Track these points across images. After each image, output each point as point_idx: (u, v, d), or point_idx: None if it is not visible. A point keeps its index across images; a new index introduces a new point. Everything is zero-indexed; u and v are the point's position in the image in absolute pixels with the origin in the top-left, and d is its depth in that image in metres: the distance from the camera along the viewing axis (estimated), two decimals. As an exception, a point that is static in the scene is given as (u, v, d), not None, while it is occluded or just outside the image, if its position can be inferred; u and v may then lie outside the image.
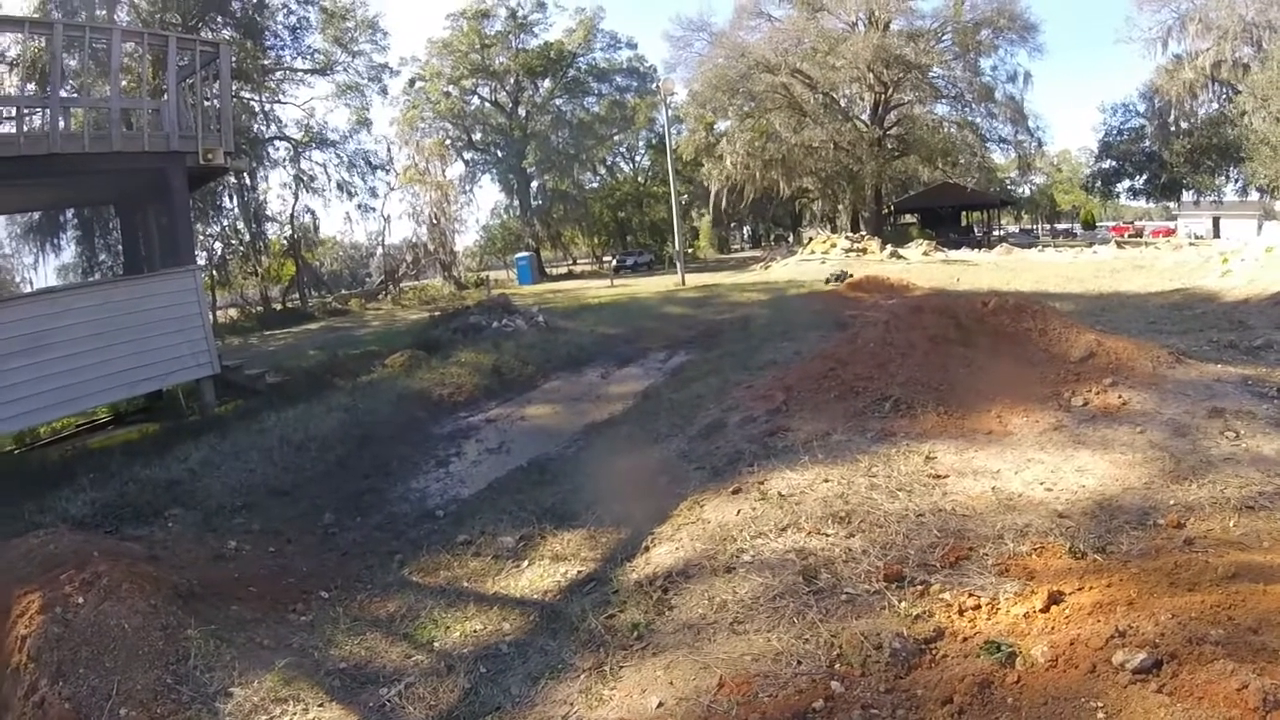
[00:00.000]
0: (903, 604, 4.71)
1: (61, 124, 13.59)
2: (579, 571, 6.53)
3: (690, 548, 6.10)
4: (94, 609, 5.18)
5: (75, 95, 18.82)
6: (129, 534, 8.58)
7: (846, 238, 39.48)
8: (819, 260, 35.43)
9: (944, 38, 44.78)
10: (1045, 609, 4.38)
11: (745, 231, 74.03)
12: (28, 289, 33.52)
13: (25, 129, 13.42)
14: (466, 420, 13.48)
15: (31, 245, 33.26)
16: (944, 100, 46.46)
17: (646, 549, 6.45)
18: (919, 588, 4.89)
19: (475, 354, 16.82)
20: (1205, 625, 3.71)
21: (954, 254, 35.89)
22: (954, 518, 5.90)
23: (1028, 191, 65.82)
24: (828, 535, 5.79)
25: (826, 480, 6.87)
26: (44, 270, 34.55)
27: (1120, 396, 8.12)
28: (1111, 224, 68.26)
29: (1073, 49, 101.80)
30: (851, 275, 26.60)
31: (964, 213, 52.92)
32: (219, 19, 34.02)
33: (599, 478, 8.94)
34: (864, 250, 36.71)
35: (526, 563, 7.03)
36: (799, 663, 4.20)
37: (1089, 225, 72.02)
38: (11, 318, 12.33)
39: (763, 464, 7.66)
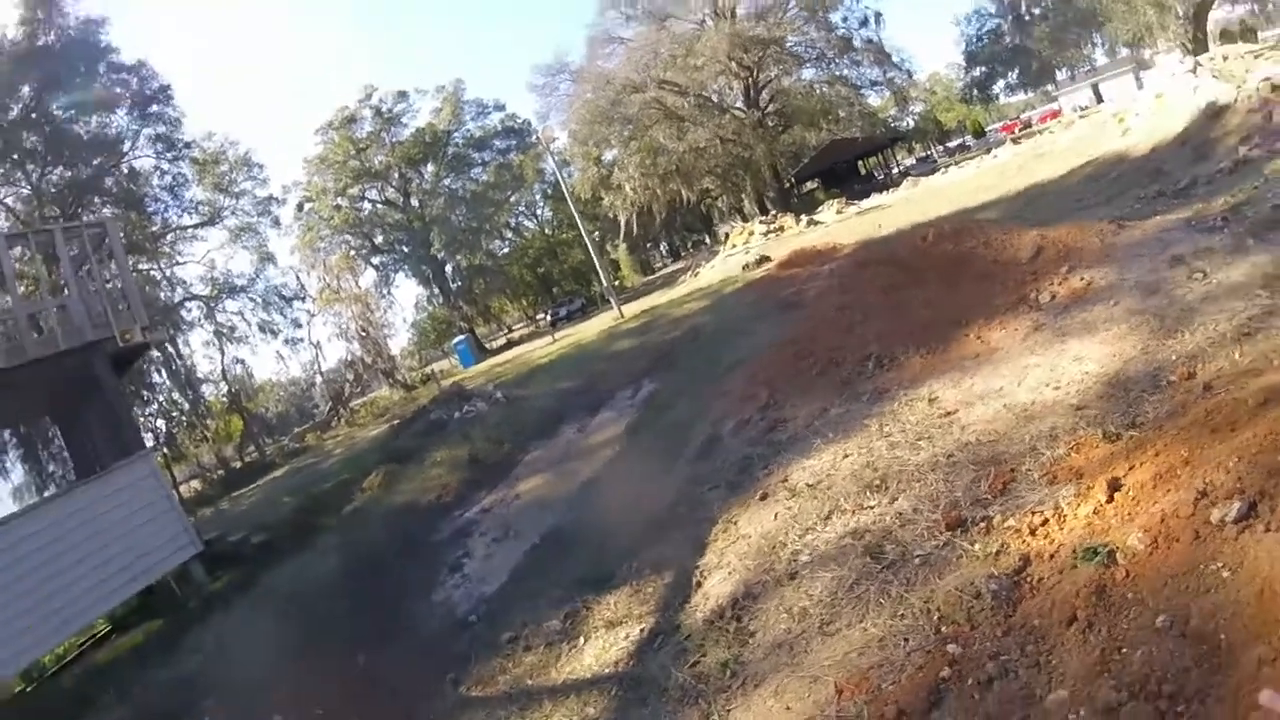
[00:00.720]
0: (976, 545, 4.58)
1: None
2: (640, 630, 6.26)
3: (742, 568, 5.91)
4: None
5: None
6: None
7: (761, 221, 39.72)
8: (742, 252, 35.50)
9: (789, 6, 45.65)
10: (1110, 499, 4.29)
11: (663, 248, 74.41)
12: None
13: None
14: (463, 517, 13.09)
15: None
16: (808, 65, 47.32)
17: (699, 584, 6.24)
18: (982, 525, 4.77)
19: (447, 450, 16.47)
20: (1272, 454, 3.62)
21: (866, 204, 36.34)
22: (982, 447, 5.83)
23: (911, 123, 67.05)
24: (873, 507, 5.65)
25: (846, 455, 6.75)
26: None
27: (1082, 278, 8.18)
28: (1000, 124, 69.98)
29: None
30: (770, 258, 26.74)
31: (859, 161, 53.70)
32: (96, 200, 33.42)
33: (618, 531, 8.67)
34: (781, 229, 36.97)
35: (582, 639, 6.74)
36: (906, 640, 4.02)
37: (979, 134, 73.69)
38: None
39: (775, 461, 7.53)
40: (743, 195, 51.03)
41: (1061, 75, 56.31)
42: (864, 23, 46.68)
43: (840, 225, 30.79)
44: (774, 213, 42.55)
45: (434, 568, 11.19)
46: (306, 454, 34.50)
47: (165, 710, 9.26)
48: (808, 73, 48.12)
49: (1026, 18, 49.11)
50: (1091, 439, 5.22)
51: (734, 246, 38.32)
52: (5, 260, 13.38)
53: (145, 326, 15.16)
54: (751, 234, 38.32)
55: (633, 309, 33.93)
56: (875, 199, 37.05)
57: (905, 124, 63.55)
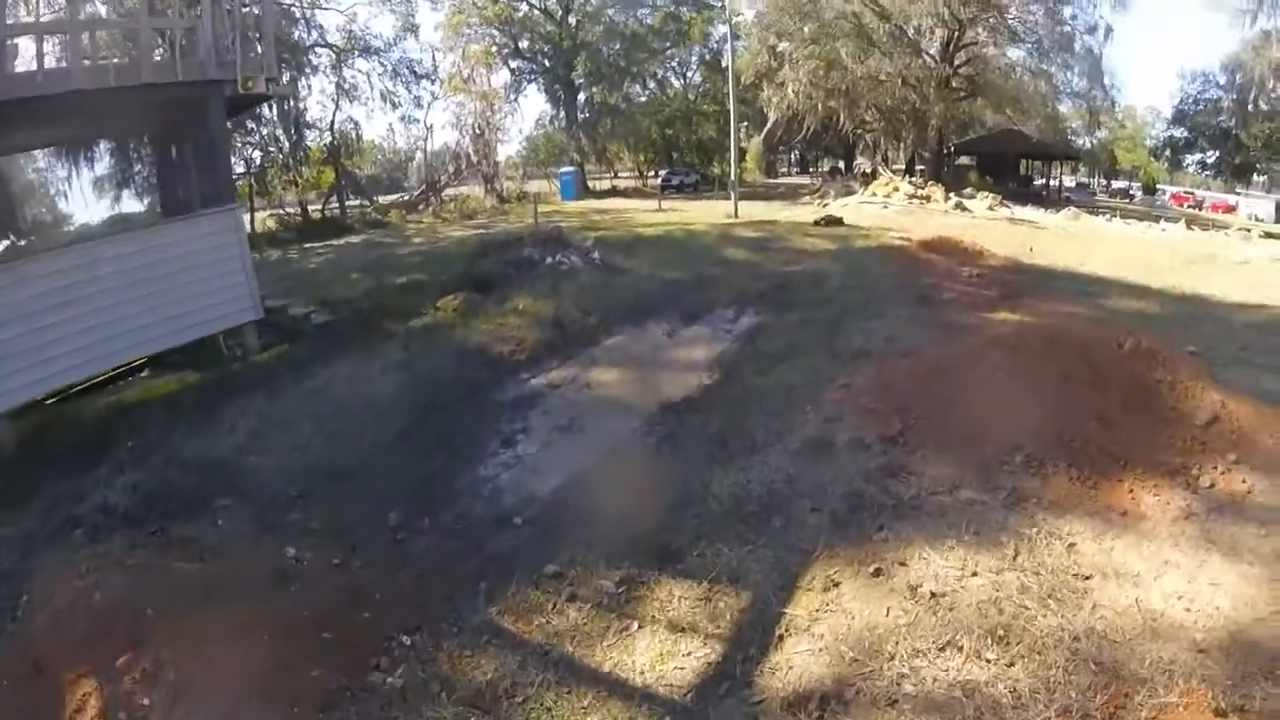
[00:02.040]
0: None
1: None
2: (706, 657, 5.57)
3: (837, 653, 5.18)
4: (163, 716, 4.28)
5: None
6: (177, 535, 7.75)
7: (910, 182, 37.10)
8: (880, 204, 33.38)
9: None
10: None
11: (793, 156, 71.07)
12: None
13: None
14: (530, 384, 12.45)
15: (64, 177, 31.87)
16: (1020, 46, 43.20)
17: (781, 638, 5.52)
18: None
19: (534, 300, 15.66)
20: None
21: (1019, 211, 33.60)
22: (1106, 645, 5.10)
23: (1088, 144, 61.99)
24: (989, 661, 4.97)
25: (975, 574, 5.91)
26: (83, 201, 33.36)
27: (1245, 481, 7.11)
28: (1171, 190, 64.65)
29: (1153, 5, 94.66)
30: (907, 230, 25.00)
31: (1023, 160, 49.99)
32: None
33: (697, 497, 7.90)
34: (928, 198, 34.51)
35: (635, 624, 6.10)
36: None
37: (1149, 189, 68.29)
38: (45, 270, 11.49)
39: (894, 527, 6.66)
40: (901, 143, 47.82)
41: (1257, 179, 51.74)
42: (1091, 29, 42.19)
43: (988, 224, 28.47)
44: (925, 179, 39.78)
45: (489, 434, 10.63)
46: (385, 230, 34.03)
47: (178, 490, 8.89)
48: (1014, 53, 44.07)
49: (1251, 108, 44.39)
50: (1201, 700, 4.56)
51: (874, 194, 36.07)
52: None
53: (271, 78, 14.19)
54: (896, 190, 35.97)
55: (749, 209, 32.37)
56: (1031, 212, 34.29)
57: (1082, 143, 58.69)
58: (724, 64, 52.40)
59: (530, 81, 52.00)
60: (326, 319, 16.08)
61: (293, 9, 34.79)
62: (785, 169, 66.80)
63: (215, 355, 14.00)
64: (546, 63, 50.84)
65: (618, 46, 50.52)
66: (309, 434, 10.36)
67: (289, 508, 8.60)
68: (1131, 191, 68.87)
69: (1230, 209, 48.90)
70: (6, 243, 24.37)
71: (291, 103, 35.11)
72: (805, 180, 52.89)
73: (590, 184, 51.54)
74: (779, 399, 10.29)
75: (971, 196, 35.47)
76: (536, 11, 50.56)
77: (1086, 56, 41.87)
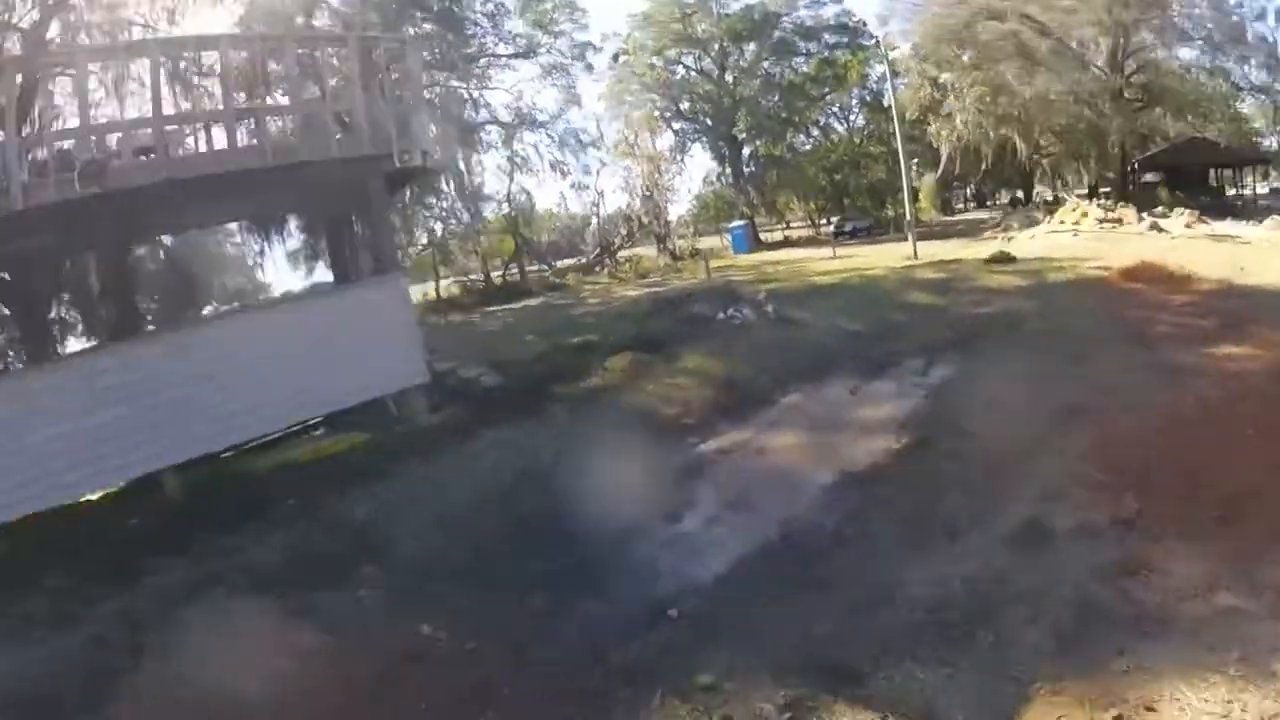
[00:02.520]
0: None
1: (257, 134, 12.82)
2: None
3: None
4: None
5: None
6: (319, 603, 7.22)
7: (1099, 205, 33.51)
8: (1070, 232, 30.20)
9: None
10: None
11: (969, 190, 66.98)
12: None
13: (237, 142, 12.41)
14: (697, 449, 11.38)
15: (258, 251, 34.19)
16: (1191, 44, 38.65)
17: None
18: None
19: (703, 358, 14.71)
20: None
21: (1218, 226, 29.49)
22: None
23: (1275, 144, 53.95)
24: None
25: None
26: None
27: None
28: None
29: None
30: (1104, 259, 22.15)
31: (1213, 171, 44.40)
32: (417, 14, 33.40)
33: (884, 596, 6.45)
34: (1119, 221, 30.98)
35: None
36: None
37: None
38: (232, 333, 12.30)
39: (1137, 650, 4.99)
40: (1081, 165, 43.71)
41: None
42: (1260, 15, 37.18)
43: (1188, 244, 24.87)
44: (1114, 200, 35.89)
45: (649, 506, 9.52)
46: (562, 292, 34.25)
47: (325, 554, 8.42)
48: (1184, 53, 39.39)
49: None
50: None
51: (1061, 222, 32.87)
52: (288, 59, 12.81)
53: (425, 151, 14.19)
54: (1085, 215, 32.58)
55: (928, 250, 30.18)
56: (1231, 225, 30.14)
57: (1269, 145, 51.23)
58: (886, 103, 50.73)
59: (694, 141, 51.95)
60: (496, 382, 15.68)
61: (460, 91, 36.12)
62: (961, 205, 62.97)
63: (382, 420, 13.85)
64: (709, 121, 50.70)
65: (776, 98, 49.75)
66: (461, 502, 9.75)
67: (433, 578, 7.89)
68: None
69: None
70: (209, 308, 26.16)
71: (468, 177, 36.38)
72: (984, 215, 49.28)
73: (762, 236, 50.48)
74: (982, 468, 8.66)
75: (1165, 215, 31.59)
76: (694, 73, 50.74)
77: (1261, 45, 36.96)
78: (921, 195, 55.06)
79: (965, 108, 39.49)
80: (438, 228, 37.77)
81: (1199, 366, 11.29)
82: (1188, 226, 29.28)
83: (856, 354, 15.12)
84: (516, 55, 38.31)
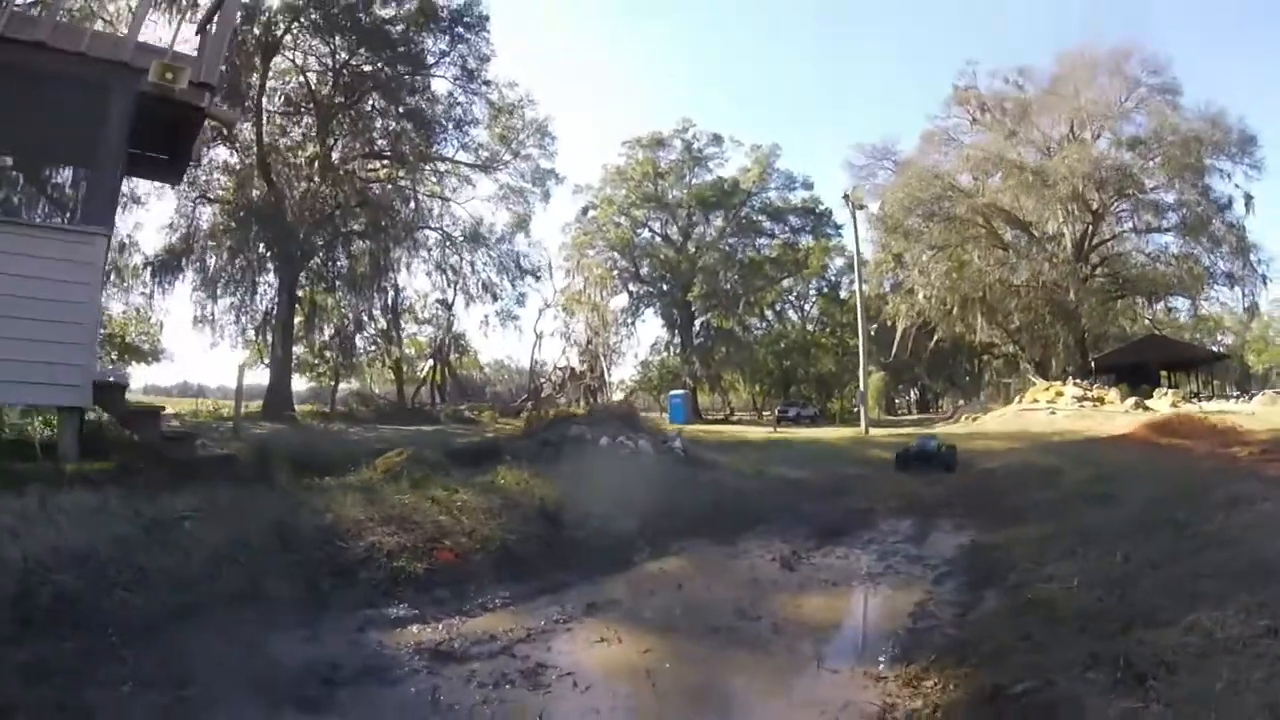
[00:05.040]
0: None
1: None
2: None
3: None
4: None
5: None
6: None
7: (1075, 384, 28.22)
8: (1046, 410, 24.56)
9: (1154, 156, 33.97)
10: None
11: (912, 395, 62.02)
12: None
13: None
14: (399, 640, 4.33)
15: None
16: (1161, 230, 34.97)
17: None
18: None
19: (528, 476, 7.70)
20: None
21: (1209, 405, 24.19)
22: None
23: (1223, 348, 49.83)
24: None
25: None
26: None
27: None
28: None
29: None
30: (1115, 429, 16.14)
31: (1167, 372, 39.57)
32: (382, 101, 28.49)
33: None
34: (1100, 400, 25.60)
35: None
36: None
37: None
38: None
39: None
40: (1050, 352, 38.54)
41: None
42: (1226, 205, 33.66)
43: (1189, 420, 19.42)
44: (1091, 380, 30.47)
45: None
46: (471, 425, 27.36)
47: None
48: (1156, 239, 35.74)
49: None
50: None
51: (1034, 401, 27.38)
52: None
53: (207, 85, 7.89)
54: (1059, 395, 27.09)
55: (880, 433, 23.92)
56: (1218, 404, 25.01)
57: (1220, 347, 47.02)
58: (843, 295, 46.64)
59: (648, 306, 47.02)
60: (225, 453, 8.60)
61: (405, 188, 30.76)
62: (906, 410, 57.70)
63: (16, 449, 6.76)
64: (665, 287, 45.98)
65: (735, 275, 45.29)
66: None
67: None
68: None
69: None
70: None
71: (388, 277, 30.67)
72: (931, 415, 43.84)
73: (704, 415, 44.33)
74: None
75: (1149, 395, 26.04)
76: (658, 238, 46.58)
77: (1231, 231, 32.89)
78: (869, 393, 49.75)
79: (930, 282, 34.63)
80: (350, 328, 30.78)
81: None
82: (1174, 405, 23.69)
83: (798, 507, 8.34)
84: (476, 166, 32.95)
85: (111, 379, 8.51)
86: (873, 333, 35.54)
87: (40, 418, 8.36)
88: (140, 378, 29.81)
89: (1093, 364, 35.28)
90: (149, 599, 4.02)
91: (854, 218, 28.72)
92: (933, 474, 11.21)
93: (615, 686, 3.84)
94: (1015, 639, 4.00)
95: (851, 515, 8.14)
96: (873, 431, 23.71)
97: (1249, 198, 33.20)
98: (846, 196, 29.27)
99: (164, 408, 10.94)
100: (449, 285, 34.39)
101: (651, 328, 71.13)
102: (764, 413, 48.59)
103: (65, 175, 14.83)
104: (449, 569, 5.41)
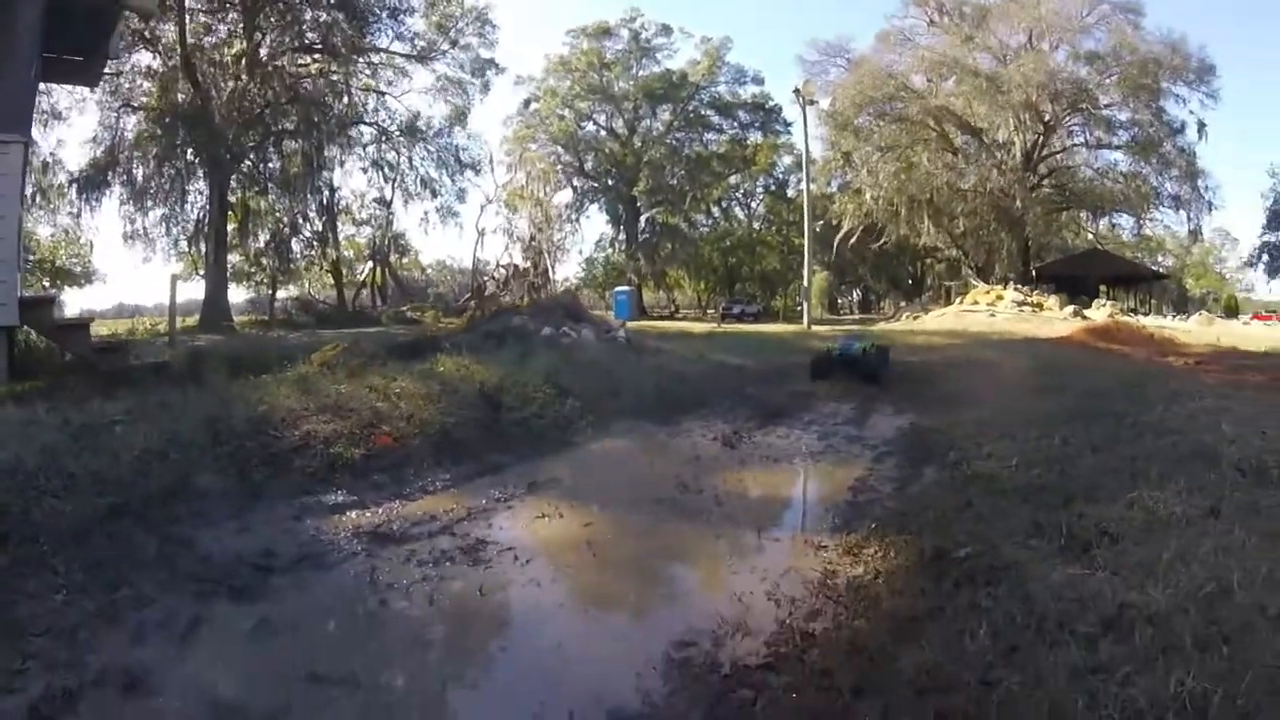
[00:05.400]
0: None
1: None
2: None
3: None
4: None
5: None
6: None
7: (1016, 289, 28.63)
8: (986, 313, 24.95)
9: (1110, 74, 33.75)
10: None
11: (855, 295, 62.41)
12: None
13: None
14: (335, 520, 4.08)
15: None
16: (1111, 147, 35.01)
17: None
18: None
19: (470, 362, 7.45)
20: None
21: (1147, 320, 24.82)
22: None
23: (1165, 268, 51.07)
24: None
25: None
26: None
27: None
28: (1254, 313, 52.60)
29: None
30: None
31: (1107, 287, 40.49)
32: None
33: None
34: (1039, 306, 26.06)
35: None
36: None
37: (1231, 312, 55.66)
38: None
39: None
40: (994, 259, 38.89)
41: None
42: (1179, 129, 33.84)
43: (1131, 328, 19.93)
44: (1032, 287, 31.02)
45: None
46: (411, 325, 26.67)
47: None
48: (1105, 156, 35.82)
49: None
50: None
51: (975, 303, 27.63)
52: None
53: None
54: (999, 298, 27.41)
55: (823, 330, 24.11)
56: (1159, 320, 25.72)
57: (1162, 267, 48.09)
58: (790, 193, 46.00)
59: (593, 202, 45.70)
60: (158, 361, 8.19)
61: (338, 82, 28.76)
62: (849, 310, 58.32)
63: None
64: (609, 182, 44.56)
65: (682, 170, 44.05)
66: None
67: None
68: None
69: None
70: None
71: (321, 175, 28.88)
72: (874, 315, 44.34)
73: (649, 312, 44.08)
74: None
75: (1088, 305, 26.66)
76: (603, 131, 44.82)
77: (1180, 156, 33.25)
78: (812, 291, 50.06)
79: (878, 183, 34.22)
80: (286, 231, 29.20)
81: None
82: (1110, 317, 24.25)
83: (740, 390, 8.24)
84: (411, 57, 30.75)
85: (37, 295, 7.96)
86: (818, 230, 35.34)
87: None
88: (75, 302, 27.92)
89: (1034, 272, 35.76)
90: (78, 504, 3.71)
91: (804, 112, 28.06)
92: (855, 385, 9.23)
93: (557, 559, 3.73)
94: (956, 510, 3.98)
95: (793, 399, 8.11)
96: (815, 328, 23.85)
97: (1202, 124, 32.95)
98: (797, 91, 28.51)
99: (93, 319, 10.34)
100: (386, 183, 32.69)
101: (596, 224, 69.82)
102: (708, 310, 48.55)
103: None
104: (387, 454, 5.18)
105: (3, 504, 3.57)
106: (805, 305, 25.86)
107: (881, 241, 36.53)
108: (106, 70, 16.55)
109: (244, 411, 5.36)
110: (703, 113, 45.36)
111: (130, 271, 57.29)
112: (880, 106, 34.91)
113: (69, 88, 19.35)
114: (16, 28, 7.15)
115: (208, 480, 4.42)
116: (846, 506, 4.45)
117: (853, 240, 36.82)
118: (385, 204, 33.75)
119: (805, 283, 28.31)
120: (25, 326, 7.17)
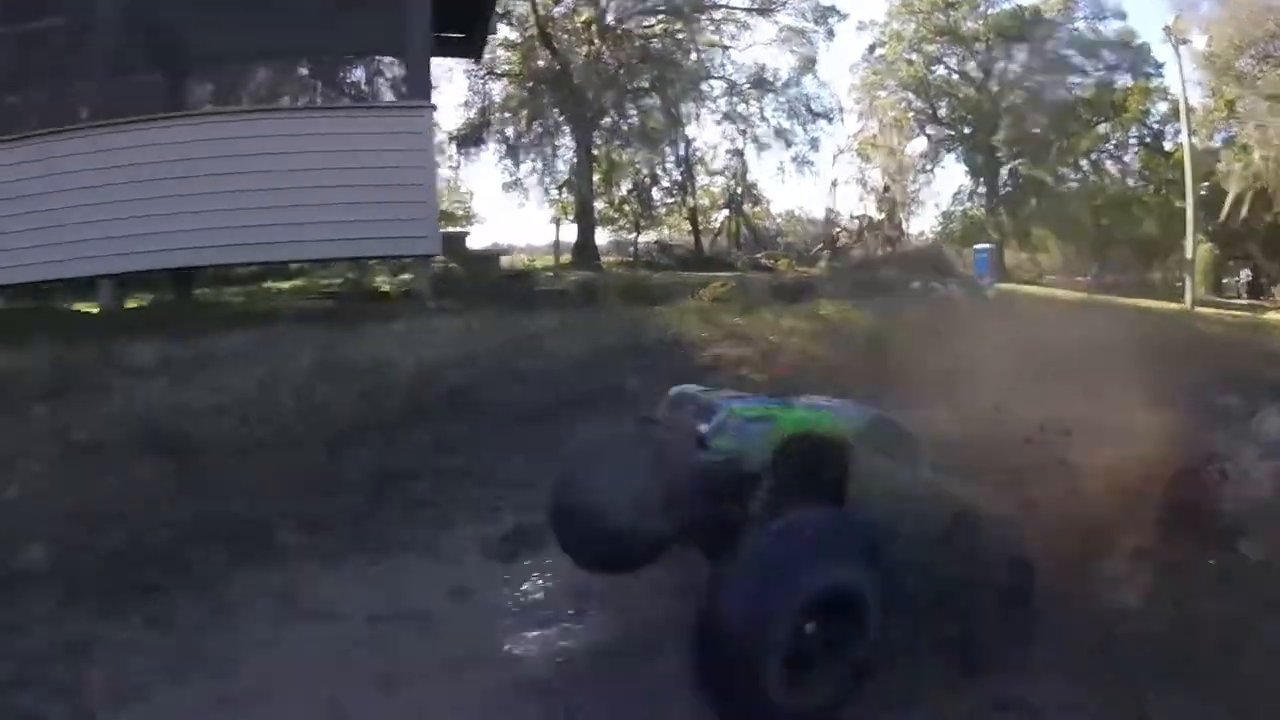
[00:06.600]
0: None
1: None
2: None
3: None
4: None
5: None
6: None
7: None
8: None
9: None
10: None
11: (1242, 276, 51.34)
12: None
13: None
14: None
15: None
16: None
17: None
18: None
19: (848, 308, 8.01)
20: None
21: None
22: None
23: None
24: None
25: None
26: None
27: None
28: None
29: None
30: None
31: None
32: None
33: None
34: None
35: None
36: None
37: None
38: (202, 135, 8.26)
39: None
40: None
41: None
42: None
43: None
44: None
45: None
46: (765, 272, 28.10)
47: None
48: None
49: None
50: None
51: None
52: None
53: None
54: None
55: (1209, 312, 20.75)
56: None
57: None
58: (1168, 146, 39.03)
59: (949, 150, 42.66)
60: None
61: (685, 40, 30.45)
62: (1235, 294, 48.56)
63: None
64: (966, 130, 41.38)
65: (1043, 117, 39.59)
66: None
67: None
68: None
69: None
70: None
71: (684, 143, 31.79)
72: (1261, 303, 36.21)
73: (1009, 274, 40.74)
74: None
75: None
76: (954, 75, 41.58)
77: None
78: (1196, 269, 42.47)
79: (1268, 140, 28.12)
80: (646, 180, 32.06)
81: None
82: None
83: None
84: (752, 10, 31.42)
85: (453, 231, 10.22)
86: (1202, 194, 29.93)
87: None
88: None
89: None
90: (525, 394, 4.93)
91: (1177, 53, 23.73)
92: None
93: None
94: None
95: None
96: (1199, 309, 20.69)
97: None
98: (1167, 29, 24.24)
99: (504, 252, 12.70)
100: (739, 134, 34.12)
101: (953, 175, 65.16)
102: (1077, 278, 43.40)
103: (392, 67, 16.42)
104: (784, 383, 5.94)
105: (462, 386, 4.85)
106: (1189, 281, 22.47)
107: (1276, 212, 29.85)
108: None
109: (653, 334, 6.48)
110: (1062, 53, 39.94)
111: (503, 215, 65.94)
112: (1262, 47, 28.09)
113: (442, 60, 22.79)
114: (413, 13, 9.01)
115: (636, 384, 5.50)
116: None
117: (1244, 210, 30.39)
118: (739, 154, 35.11)
119: (1189, 254, 24.41)
120: (443, 257, 9.19)
